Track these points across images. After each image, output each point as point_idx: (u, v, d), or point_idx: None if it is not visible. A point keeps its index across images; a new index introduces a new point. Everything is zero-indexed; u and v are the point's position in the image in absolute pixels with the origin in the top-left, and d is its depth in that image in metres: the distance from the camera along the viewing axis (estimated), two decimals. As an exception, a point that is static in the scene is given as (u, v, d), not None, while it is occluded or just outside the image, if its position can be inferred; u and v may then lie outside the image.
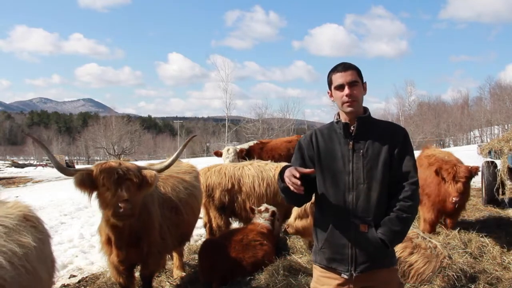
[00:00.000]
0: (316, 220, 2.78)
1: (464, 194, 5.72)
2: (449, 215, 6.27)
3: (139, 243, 4.04)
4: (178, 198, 4.72)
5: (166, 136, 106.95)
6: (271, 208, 5.71)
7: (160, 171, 4.02)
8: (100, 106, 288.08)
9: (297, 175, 2.41)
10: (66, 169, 3.69)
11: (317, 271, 2.75)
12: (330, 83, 2.67)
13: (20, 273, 2.54)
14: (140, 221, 4.00)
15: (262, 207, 5.75)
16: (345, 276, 2.58)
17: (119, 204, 3.46)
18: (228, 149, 10.38)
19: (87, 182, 3.58)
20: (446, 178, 5.68)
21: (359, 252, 2.55)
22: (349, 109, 2.58)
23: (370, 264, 2.55)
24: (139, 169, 3.76)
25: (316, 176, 2.66)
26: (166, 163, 4.14)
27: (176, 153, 4.17)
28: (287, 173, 2.46)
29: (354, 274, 2.56)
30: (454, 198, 5.59)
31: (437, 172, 5.78)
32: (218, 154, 10.66)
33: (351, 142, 2.60)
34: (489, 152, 8.97)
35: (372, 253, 2.54)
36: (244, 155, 10.15)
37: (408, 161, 2.60)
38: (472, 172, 5.71)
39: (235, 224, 6.71)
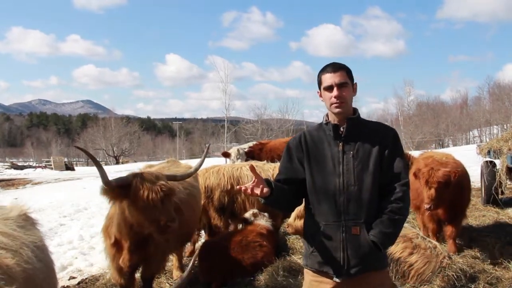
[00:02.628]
0: (306, 223, 2.75)
1: (439, 200, 5.14)
2: (448, 222, 5.77)
3: (146, 246, 4.03)
4: (178, 198, 4.71)
5: (165, 137, 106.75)
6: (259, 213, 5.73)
7: (182, 179, 4.14)
8: (99, 107, 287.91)
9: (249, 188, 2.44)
10: (111, 183, 3.60)
11: (308, 275, 2.71)
12: (319, 83, 2.64)
13: (42, 265, 2.67)
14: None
15: (252, 211, 5.76)
16: (337, 280, 2.54)
17: (168, 223, 3.54)
18: (239, 150, 10.39)
19: (123, 195, 3.62)
20: (421, 182, 5.27)
21: (351, 255, 2.51)
22: (337, 110, 2.56)
23: (362, 267, 2.51)
24: (168, 178, 3.83)
25: (306, 178, 2.63)
26: (189, 172, 4.29)
27: (199, 162, 4.40)
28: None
29: (346, 278, 2.52)
30: (425, 205, 5.12)
31: (415, 175, 5.34)
32: (227, 155, 10.67)
33: (341, 144, 2.57)
34: (488, 152, 8.98)
35: (364, 256, 2.51)
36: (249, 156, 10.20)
37: (399, 162, 2.57)
38: (450, 177, 5.16)
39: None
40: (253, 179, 2.46)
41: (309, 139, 2.67)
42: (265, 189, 2.45)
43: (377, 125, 2.74)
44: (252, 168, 2.49)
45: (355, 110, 2.66)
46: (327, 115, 2.67)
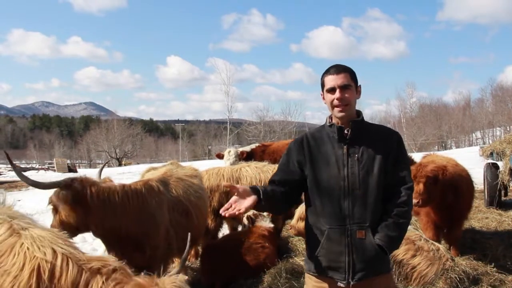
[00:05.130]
0: (309, 227, 2.68)
1: (427, 196, 4.99)
2: (447, 228, 5.63)
3: (142, 247, 4.03)
4: (189, 201, 4.70)
5: (168, 139, 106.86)
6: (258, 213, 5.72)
7: (44, 188, 3.90)
8: (102, 109, 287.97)
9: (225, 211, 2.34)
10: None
11: (311, 280, 2.66)
12: (322, 85, 2.62)
13: None
14: (140, 225, 4.00)
15: (252, 212, 5.74)
16: (342, 285, 2.50)
17: None
18: (229, 151, 10.40)
19: None
20: None
21: (356, 259, 2.47)
22: (340, 114, 2.53)
23: (367, 271, 2.48)
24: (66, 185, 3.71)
25: (309, 181, 2.59)
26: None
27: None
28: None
29: (352, 282, 2.48)
30: (413, 200, 5.12)
31: None
32: (220, 156, 10.69)
33: (345, 146, 2.53)
34: (491, 154, 8.97)
35: (370, 260, 2.48)
36: (245, 157, 10.16)
37: (403, 166, 2.57)
38: (438, 173, 5.03)
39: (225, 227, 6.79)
40: (234, 195, 2.36)
41: (312, 141, 2.64)
42: (248, 203, 2.36)
43: (381, 128, 2.72)
44: (231, 186, 2.40)
45: (359, 113, 2.63)
46: (330, 117, 2.64)
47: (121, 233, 3.89)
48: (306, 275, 2.72)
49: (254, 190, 2.44)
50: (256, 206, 2.44)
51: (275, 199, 2.54)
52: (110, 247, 4.08)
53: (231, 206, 2.34)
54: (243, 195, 2.38)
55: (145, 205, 4.08)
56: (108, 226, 3.85)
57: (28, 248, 2.56)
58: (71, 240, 2.88)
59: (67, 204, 3.67)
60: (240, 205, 2.34)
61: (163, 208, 4.28)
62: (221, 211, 2.34)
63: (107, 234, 3.94)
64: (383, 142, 2.56)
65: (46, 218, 9.86)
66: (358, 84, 2.62)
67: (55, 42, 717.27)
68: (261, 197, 2.43)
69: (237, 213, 2.32)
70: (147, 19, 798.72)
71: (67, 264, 2.47)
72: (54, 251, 2.55)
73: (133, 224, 3.95)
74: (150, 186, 4.29)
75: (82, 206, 3.70)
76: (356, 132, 2.55)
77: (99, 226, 3.85)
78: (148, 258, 4.10)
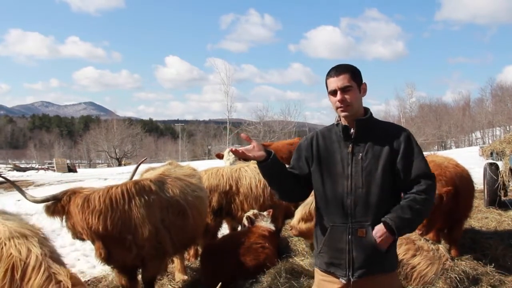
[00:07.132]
0: (316, 223, 2.76)
1: (431, 225, 4.89)
2: (448, 229, 5.59)
3: (128, 246, 4.09)
4: (186, 201, 4.69)
5: (167, 139, 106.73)
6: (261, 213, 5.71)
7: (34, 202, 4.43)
8: (101, 109, 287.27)
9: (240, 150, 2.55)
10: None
11: (318, 274, 2.73)
12: (327, 87, 2.63)
13: None
14: (126, 224, 4.06)
15: (252, 212, 5.73)
16: (343, 281, 2.55)
17: None
18: (229, 151, 10.36)
19: None
20: None
21: (357, 257, 2.51)
22: (343, 114, 2.55)
23: (368, 269, 2.51)
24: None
25: (316, 179, 2.64)
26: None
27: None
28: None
29: (352, 279, 2.52)
30: (417, 231, 4.78)
31: None
32: (220, 156, 10.68)
33: (350, 145, 2.55)
34: (491, 154, 8.96)
35: (370, 258, 2.50)
36: None
37: (419, 162, 2.53)
38: (440, 199, 4.71)
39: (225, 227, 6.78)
40: (251, 145, 2.55)
41: (321, 140, 2.67)
42: (259, 153, 2.53)
43: (389, 126, 2.71)
44: (247, 137, 2.59)
45: (366, 110, 2.63)
46: (339, 115, 2.65)
47: (106, 233, 3.97)
48: (315, 268, 2.79)
49: (266, 151, 2.59)
50: (264, 164, 2.56)
51: (284, 170, 2.65)
52: (98, 246, 4.12)
53: (237, 150, 2.58)
54: (256, 149, 2.55)
55: (131, 205, 4.11)
56: (92, 228, 3.95)
57: (5, 244, 2.61)
58: (47, 238, 2.97)
59: (58, 215, 4.15)
60: (250, 151, 2.53)
61: (153, 207, 4.28)
62: (232, 148, 2.64)
63: (94, 236, 4.03)
64: (391, 140, 2.55)
65: (46, 219, 9.86)
66: (363, 82, 2.62)
67: (53, 42, 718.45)
68: (271, 156, 2.56)
69: (246, 153, 2.52)
70: (145, 19, 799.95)
71: (39, 267, 2.54)
72: (29, 250, 2.61)
73: (118, 224, 4.02)
74: (141, 185, 4.30)
75: (69, 215, 4.07)
76: (362, 130, 2.56)
77: (86, 230, 3.99)
78: (135, 256, 4.15)
